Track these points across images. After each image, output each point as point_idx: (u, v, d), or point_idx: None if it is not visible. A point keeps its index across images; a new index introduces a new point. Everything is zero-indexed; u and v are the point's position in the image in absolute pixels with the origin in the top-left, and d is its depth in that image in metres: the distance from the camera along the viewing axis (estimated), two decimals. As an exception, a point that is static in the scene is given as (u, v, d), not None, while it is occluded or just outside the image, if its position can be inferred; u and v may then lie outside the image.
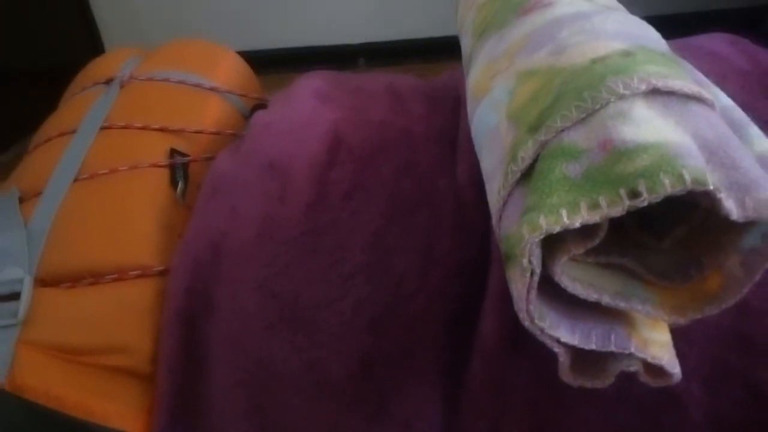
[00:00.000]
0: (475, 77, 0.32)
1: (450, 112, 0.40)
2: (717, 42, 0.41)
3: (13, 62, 1.50)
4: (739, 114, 0.28)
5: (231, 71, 0.55)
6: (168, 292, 0.34)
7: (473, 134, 0.30)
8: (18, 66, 1.52)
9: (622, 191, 0.20)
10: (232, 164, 0.37)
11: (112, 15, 1.72)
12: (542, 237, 0.20)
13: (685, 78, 0.24)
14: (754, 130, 0.27)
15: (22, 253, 0.35)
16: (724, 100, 0.30)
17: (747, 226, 0.21)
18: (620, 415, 0.27)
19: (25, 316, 0.33)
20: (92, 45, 1.74)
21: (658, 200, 0.19)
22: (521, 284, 0.21)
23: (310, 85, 0.43)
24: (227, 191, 0.36)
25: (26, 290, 0.33)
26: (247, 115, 0.53)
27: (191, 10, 1.69)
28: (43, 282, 0.35)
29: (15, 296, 0.33)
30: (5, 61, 1.47)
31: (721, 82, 0.31)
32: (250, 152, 0.37)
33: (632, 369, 0.23)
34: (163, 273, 0.35)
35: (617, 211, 0.20)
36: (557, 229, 0.20)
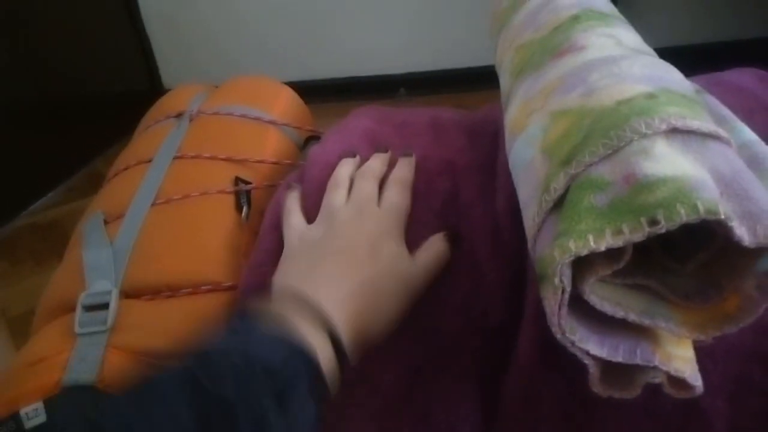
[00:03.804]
0: (512, 114, 0.35)
1: (489, 144, 0.43)
2: (746, 78, 0.43)
3: (78, 94, 1.62)
4: (762, 148, 0.31)
5: (287, 105, 0.60)
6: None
7: (511, 166, 0.33)
8: (82, 97, 1.64)
9: (643, 219, 0.22)
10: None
11: (170, 49, 1.83)
12: (572, 259, 0.23)
13: (704, 118, 0.26)
14: (778, 163, 0.29)
15: (109, 269, 0.40)
16: (748, 134, 0.32)
17: (760, 251, 0.23)
18: (648, 427, 0.29)
19: (112, 323, 0.37)
20: (150, 77, 1.86)
21: (675, 228, 0.22)
22: (553, 301, 0.24)
23: (359, 124, 0.47)
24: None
25: (113, 301, 0.38)
26: (301, 146, 0.58)
27: (241, 44, 1.78)
28: (127, 294, 0.39)
29: (104, 306, 0.38)
30: (71, 92, 1.59)
31: (748, 116, 0.34)
32: (311, 189, 0.41)
33: (657, 381, 0.25)
34: (231, 288, 0.39)
35: (638, 237, 0.22)
36: (585, 252, 0.23)
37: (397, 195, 0.38)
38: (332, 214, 0.37)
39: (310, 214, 0.39)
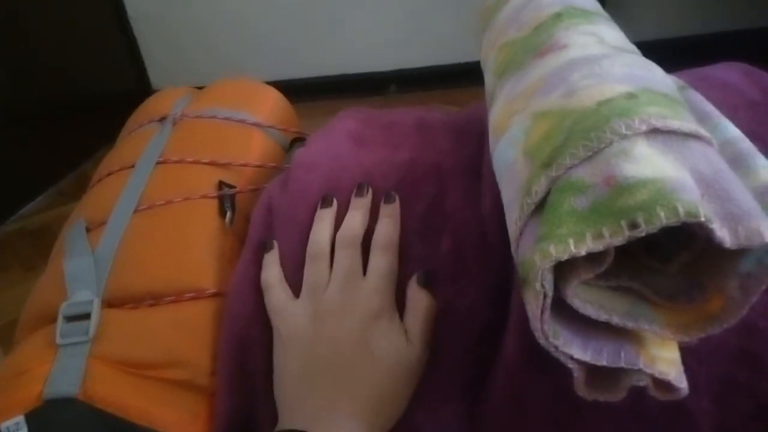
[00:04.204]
0: (496, 115, 0.35)
1: (476, 144, 0.42)
2: (732, 73, 0.43)
3: (65, 97, 1.61)
4: (746, 144, 0.30)
5: (272, 107, 0.59)
6: (225, 317, 0.37)
7: (494, 168, 0.33)
8: (70, 100, 1.63)
9: (623, 223, 0.22)
10: (280, 202, 0.41)
11: (158, 49, 1.82)
12: (553, 264, 0.23)
13: (685, 117, 0.26)
14: (761, 161, 0.29)
15: (90, 278, 0.40)
16: (732, 131, 0.32)
17: (742, 252, 0.23)
18: (634, 430, 0.29)
19: (94, 333, 0.36)
20: (138, 79, 1.85)
21: (655, 231, 0.21)
22: (535, 306, 0.24)
23: (345, 126, 0.46)
24: (280, 232, 0.40)
25: (95, 311, 0.37)
26: (287, 148, 0.57)
27: (230, 43, 1.77)
28: (109, 303, 0.39)
29: (86, 316, 0.37)
30: (58, 95, 1.58)
31: (732, 112, 0.33)
32: (297, 193, 0.40)
33: (642, 384, 0.25)
34: (215, 295, 0.39)
35: (619, 240, 0.22)
36: (565, 256, 0.22)
37: (382, 260, 0.36)
38: (316, 294, 0.36)
39: (296, 218, 0.39)
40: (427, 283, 0.35)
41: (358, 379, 0.32)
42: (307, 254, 0.37)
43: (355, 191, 0.39)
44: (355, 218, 0.38)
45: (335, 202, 0.39)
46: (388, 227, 0.37)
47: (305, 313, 0.35)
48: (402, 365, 0.33)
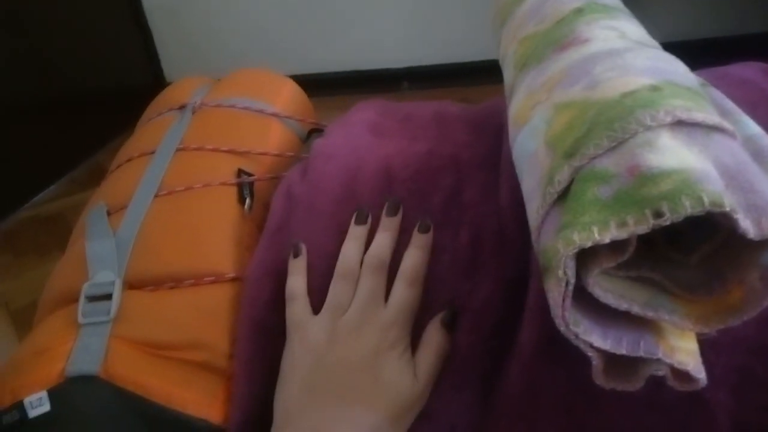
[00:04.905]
0: (516, 107, 0.35)
1: (493, 137, 0.43)
2: (751, 71, 0.43)
3: (80, 87, 1.62)
4: (767, 140, 0.31)
5: (290, 98, 0.60)
6: (244, 302, 0.38)
7: (514, 158, 0.33)
8: (85, 90, 1.64)
9: (648, 211, 0.22)
10: (300, 190, 0.41)
11: (172, 42, 1.83)
12: (576, 251, 0.23)
13: (708, 110, 0.26)
14: (782, 156, 0.29)
15: (112, 260, 0.40)
16: (753, 127, 0.32)
17: (765, 243, 0.23)
18: (651, 420, 0.29)
19: (115, 314, 0.37)
20: (152, 70, 1.86)
21: (680, 220, 0.22)
22: (557, 293, 0.24)
23: (363, 117, 0.46)
24: (301, 219, 0.40)
25: (116, 292, 0.38)
26: (304, 139, 0.58)
27: (243, 37, 1.78)
28: (130, 285, 0.39)
29: (107, 297, 0.38)
30: (74, 85, 1.60)
31: (752, 109, 0.33)
32: (317, 181, 0.41)
33: (660, 373, 0.25)
34: (234, 279, 0.39)
35: (643, 228, 0.22)
36: (589, 244, 0.23)
37: (406, 293, 0.35)
38: (336, 313, 0.36)
39: (317, 208, 0.40)
40: (450, 324, 0.35)
41: (360, 404, 0.33)
42: (335, 271, 0.37)
43: (385, 209, 0.38)
44: (385, 240, 0.37)
45: (369, 219, 0.38)
46: (417, 259, 0.36)
47: (323, 329, 0.35)
48: (404, 399, 0.33)
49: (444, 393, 0.35)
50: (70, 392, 0.34)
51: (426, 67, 1.74)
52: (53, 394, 0.34)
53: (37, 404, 0.33)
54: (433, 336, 0.35)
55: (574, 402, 0.31)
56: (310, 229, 0.39)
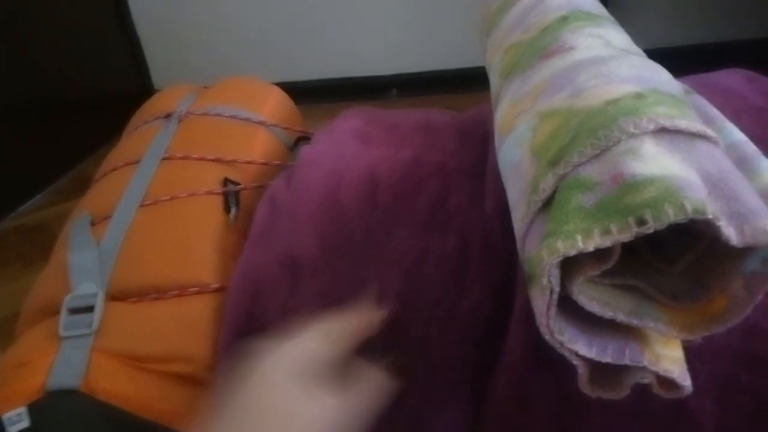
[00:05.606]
0: (501, 115, 0.35)
1: (479, 145, 0.43)
2: (734, 79, 0.43)
3: (66, 95, 1.60)
4: (750, 148, 0.31)
5: (276, 106, 0.60)
6: (226, 310, 0.37)
7: (500, 166, 0.33)
8: (71, 99, 1.62)
9: (631, 219, 0.22)
10: (284, 196, 0.41)
11: (160, 49, 1.82)
12: (560, 259, 0.23)
13: (692, 118, 0.26)
14: (766, 163, 0.30)
15: (94, 271, 0.40)
16: (736, 134, 0.32)
17: (747, 251, 0.23)
18: (637, 428, 0.29)
19: (98, 326, 0.36)
20: (140, 78, 1.85)
21: (663, 227, 0.22)
22: (542, 301, 0.24)
23: (350, 125, 0.46)
24: (284, 226, 0.40)
25: (99, 304, 0.37)
26: (291, 147, 0.57)
27: (231, 44, 1.77)
28: (113, 296, 0.39)
29: (89, 309, 0.37)
30: (60, 94, 1.58)
31: (736, 117, 0.34)
32: (301, 189, 0.41)
33: (645, 381, 0.25)
34: (219, 290, 0.39)
35: (626, 236, 0.22)
36: (573, 252, 0.23)
37: (311, 340, 0.29)
38: None
39: (303, 216, 0.39)
40: (394, 369, 0.31)
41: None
42: None
43: None
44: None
45: None
46: (349, 321, 0.31)
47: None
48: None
49: (436, 402, 0.34)
50: (50, 406, 0.33)
51: (415, 74, 1.74)
52: (33, 409, 0.33)
53: (17, 420, 0.33)
54: (373, 376, 0.30)
55: (561, 409, 0.31)
56: (293, 236, 0.39)
